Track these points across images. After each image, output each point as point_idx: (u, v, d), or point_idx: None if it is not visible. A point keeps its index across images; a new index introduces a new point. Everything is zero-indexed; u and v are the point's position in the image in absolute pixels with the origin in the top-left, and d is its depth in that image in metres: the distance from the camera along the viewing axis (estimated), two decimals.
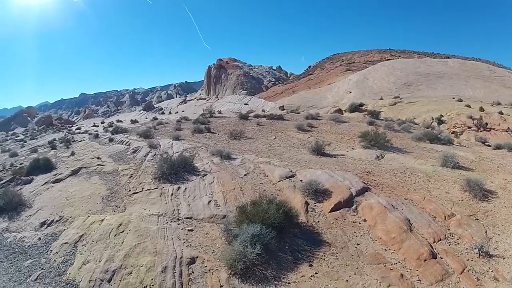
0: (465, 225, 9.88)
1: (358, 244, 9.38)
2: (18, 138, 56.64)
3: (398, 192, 12.07)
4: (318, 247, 9.32)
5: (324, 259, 8.87)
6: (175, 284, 8.20)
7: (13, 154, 30.47)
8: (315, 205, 11.37)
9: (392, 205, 10.88)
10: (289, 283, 8.14)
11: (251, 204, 10.40)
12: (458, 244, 9.23)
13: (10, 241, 11.68)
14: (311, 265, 8.68)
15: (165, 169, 15.19)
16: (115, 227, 10.82)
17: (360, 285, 7.95)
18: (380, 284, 7.94)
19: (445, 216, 10.39)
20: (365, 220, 10.44)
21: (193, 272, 8.63)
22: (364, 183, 12.56)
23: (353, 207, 11.10)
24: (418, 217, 10.36)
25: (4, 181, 19.49)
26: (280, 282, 8.15)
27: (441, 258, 8.72)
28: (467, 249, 8.97)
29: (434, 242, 9.28)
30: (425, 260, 8.57)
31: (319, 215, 10.86)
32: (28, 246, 11.13)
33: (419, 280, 8.10)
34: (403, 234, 9.45)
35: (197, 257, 9.13)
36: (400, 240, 9.30)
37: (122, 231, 10.58)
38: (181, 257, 9.08)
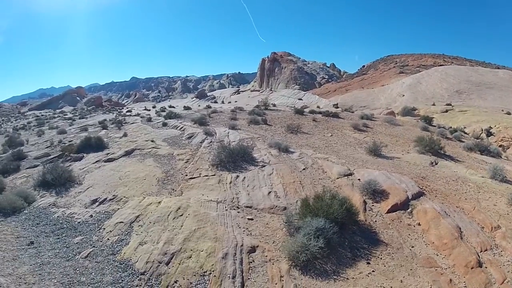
0: (509, 238, 9.96)
1: (412, 247, 9.62)
2: (66, 116, 58.50)
3: (450, 199, 12.23)
4: (375, 246, 9.60)
5: (380, 258, 9.12)
6: (236, 271, 8.39)
7: (61, 131, 31.64)
8: (373, 205, 11.67)
9: (445, 212, 11.03)
10: (347, 278, 8.36)
11: (315, 198, 10.68)
12: (501, 255, 9.29)
13: (57, 216, 11.95)
14: (368, 263, 8.93)
15: (223, 156, 15.62)
16: (174, 210, 11.05)
17: (413, 286, 8.17)
18: (431, 287, 8.16)
19: (492, 228, 10.45)
20: (419, 224, 10.66)
21: (253, 261, 8.87)
22: (419, 187, 12.73)
23: (409, 210, 11.34)
24: (468, 225, 10.48)
25: (52, 157, 20.12)
26: (339, 277, 8.37)
27: (486, 267, 8.82)
28: (508, 261, 9.07)
29: (481, 251, 9.40)
30: (472, 268, 8.75)
31: (376, 215, 11.16)
32: (78, 222, 11.34)
33: (465, 286, 8.27)
34: (454, 241, 9.64)
35: (257, 246, 9.39)
36: (451, 246, 9.50)
37: (181, 215, 10.82)
38: (242, 245, 9.30)
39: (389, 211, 11.19)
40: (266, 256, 9.02)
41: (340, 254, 9.11)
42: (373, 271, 8.58)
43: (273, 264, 8.73)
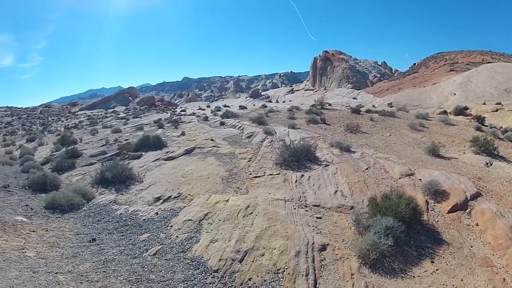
0: None
1: (471, 247, 9.81)
2: (119, 116, 59.71)
3: (505, 200, 12.34)
4: (438, 246, 9.80)
5: (443, 257, 9.32)
6: (309, 269, 8.50)
7: (116, 130, 32.36)
8: (434, 205, 11.84)
9: (501, 213, 11.07)
10: (413, 276, 8.59)
11: (382, 197, 11.00)
12: None
13: (120, 214, 12.16)
14: (432, 262, 9.14)
15: (287, 155, 15.79)
16: (243, 208, 11.14)
17: (472, 285, 8.38)
18: (487, 286, 8.36)
19: None
20: (477, 224, 10.78)
21: (325, 259, 9.02)
22: (477, 188, 12.81)
23: (467, 210, 11.46)
24: None
25: (109, 155, 20.50)
26: (405, 275, 8.60)
27: None
28: None
29: None
30: None
31: (438, 215, 11.32)
32: (143, 220, 11.48)
33: None
34: (508, 241, 9.72)
35: (327, 244, 9.57)
36: (505, 246, 9.61)
37: (251, 213, 10.92)
38: (313, 243, 9.41)
39: (449, 211, 11.41)
40: (337, 254, 9.21)
41: (407, 253, 9.36)
42: (436, 269, 8.82)
43: (343, 262, 8.93)
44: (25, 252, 9.63)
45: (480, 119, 33.26)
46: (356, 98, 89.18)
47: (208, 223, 10.51)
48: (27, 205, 13.50)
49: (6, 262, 8.89)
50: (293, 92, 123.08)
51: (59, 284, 7.91)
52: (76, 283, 8.00)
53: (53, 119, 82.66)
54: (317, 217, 11.00)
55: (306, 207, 11.75)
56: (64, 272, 8.48)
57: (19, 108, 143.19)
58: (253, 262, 8.65)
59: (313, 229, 10.26)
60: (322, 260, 8.91)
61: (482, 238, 10.11)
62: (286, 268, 8.44)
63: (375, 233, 9.21)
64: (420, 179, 13.62)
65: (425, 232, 10.28)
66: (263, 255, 8.91)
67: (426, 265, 8.92)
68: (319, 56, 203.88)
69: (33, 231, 11.14)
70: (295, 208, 11.48)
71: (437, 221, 10.90)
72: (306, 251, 9.06)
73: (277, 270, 8.44)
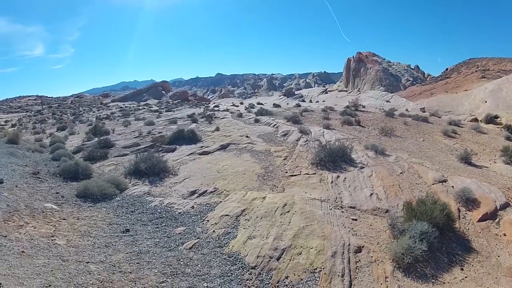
0: None
1: (498, 256, 9.92)
2: (152, 109, 60.35)
3: None
4: (468, 253, 9.91)
5: (472, 265, 9.47)
6: (344, 270, 8.55)
7: (149, 122, 32.63)
8: (466, 213, 11.97)
9: None
10: (444, 283, 8.70)
11: (418, 202, 11.12)
12: None
13: (154, 206, 12.20)
14: (462, 269, 9.28)
15: (323, 155, 15.88)
16: (280, 206, 11.13)
17: None
18: None
19: None
20: (504, 234, 10.86)
21: (360, 261, 9.09)
22: (506, 198, 12.90)
23: (496, 220, 11.56)
24: None
25: (142, 147, 20.65)
26: (436, 281, 8.70)
27: None
28: None
29: None
30: None
31: (469, 223, 11.43)
32: (179, 213, 11.49)
33: None
34: None
35: (363, 246, 9.64)
36: None
37: (288, 211, 10.91)
38: (349, 245, 9.49)
39: (479, 220, 11.48)
40: (372, 256, 9.28)
41: (438, 259, 9.47)
42: (465, 277, 8.94)
43: (378, 264, 9.00)
44: (55, 239, 9.68)
45: (511, 129, 33.13)
46: (389, 101, 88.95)
47: (245, 220, 10.52)
48: (57, 193, 13.59)
49: (34, 249, 8.94)
50: (327, 93, 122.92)
51: (90, 273, 7.89)
52: (108, 273, 7.98)
53: (84, 109, 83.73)
54: (352, 219, 11.10)
55: (342, 208, 11.87)
56: (96, 262, 8.48)
57: (49, 97, 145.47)
58: (290, 260, 8.65)
59: (349, 231, 10.34)
60: (357, 261, 8.98)
61: (508, 248, 10.22)
62: (323, 268, 8.46)
63: (410, 237, 9.36)
64: (452, 186, 13.74)
65: (456, 239, 10.43)
66: (300, 253, 8.91)
67: (456, 272, 9.06)
68: (353, 57, 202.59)
69: (64, 219, 11.21)
70: (331, 209, 11.57)
71: (468, 229, 11.01)
72: (342, 252, 9.12)
73: (314, 269, 8.44)
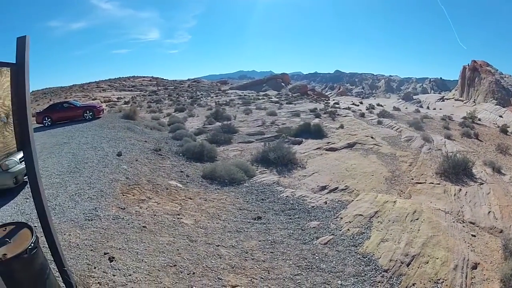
0: None
1: None
2: (272, 99, 61.19)
3: None
4: None
5: None
6: (462, 284, 8.21)
7: (271, 113, 33.18)
8: None
9: None
10: None
11: None
12: None
13: (286, 196, 12.23)
14: None
15: (446, 166, 15.74)
16: (410, 213, 10.97)
17: None
18: None
19: None
20: None
21: (474, 277, 8.67)
22: None
23: None
24: None
25: (267, 136, 20.94)
26: None
27: None
28: None
29: None
30: None
31: None
32: (312, 207, 11.43)
33: None
34: None
35: (478, 263, 9.21)
36: None
37: (417, 219, 10.74)
38: (468, 260, 9.15)
39: None
40: (484, 274, 8.82)
41: None
42: None
43: (488, 283, 8.57)
44: (181, 218, 9.97)
45: None
46: (502, 116, 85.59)
47: (378, 222, 10.41)
48: (181, 172, 14.04)
49: (158, 226, 9.28)
50: (443, 100, 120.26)
51: (220, 257, 7.96)
52: (240, 259, 8.01)
53: (202, 94, 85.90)
54: (472, 235, 10.84)
55: (463, 222, 11.63)
56: (227, 246, 8.58)
57: (165, 79, 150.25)
58: (418, 268, 8.50)
59: (468, 246, 10.02)
60: (473, 278, 8.61)
61: None
62: (445, 280, 8.24)
63: None
64: None
65: None
66: (427, 262, 8.77)
67: None
68: (468, 65, 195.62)
69: (190, 199, 11.56)
70: (453, 222, 11.35)
71: None
72: (462, 266, 8.86)
73: (437, 279, 8.25)
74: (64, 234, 8.22)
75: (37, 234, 4.67)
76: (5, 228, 4.83)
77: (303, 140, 20.01)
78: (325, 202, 11.75)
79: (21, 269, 4.35)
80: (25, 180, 11.93)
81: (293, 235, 9.48)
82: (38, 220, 5.02)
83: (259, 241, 9.03)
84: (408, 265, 8.57)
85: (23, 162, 11.54)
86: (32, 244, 4.45)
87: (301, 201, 11.83)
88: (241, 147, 18.58)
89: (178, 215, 10.18)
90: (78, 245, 7.83)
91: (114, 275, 6.69)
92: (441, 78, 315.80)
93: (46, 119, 29.91)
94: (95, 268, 6.88)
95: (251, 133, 22.23)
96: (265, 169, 14.99)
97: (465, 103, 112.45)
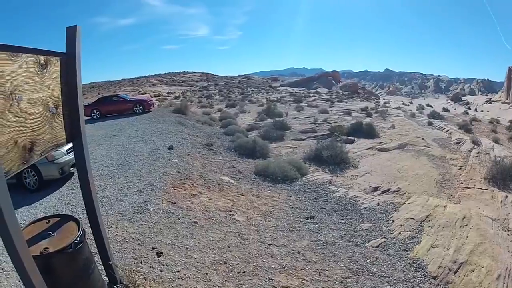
0: None
1: None
2: (323, 97, 60.89)
3: None
4: None
5: None
6: None
7: (323, 111, 33.18)
8: None
9: None
10: None
11: None
12: None
13: (339, 196, 12.13)
14: None
15: (495, 171, 15.31)
16: (460, 218, 10.73)
17: None
18: None
19: None
20: None
21: None
22: None
23: None
24: None
25: (319, 134, 21.01)
26: None
27: None
28: None
29: None
30: None
31: None
32: (364, 208, 11.32)
33: None
34: None
35: None
36: None
37: (466, 225, 10.51)
38: (510, 270, 8.82)
39: None
40: None
41: None
42: None
43: None
44: (233, 215, 9.96)
45: None
46: None
47: (429, 226, 10.23)
48: (234, 167, 14.10)
49: (209, 222, 9.27)
50: (490, 103, 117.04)
51: (272, 257, 7.88)
52: (291, 259, 7.90)
53: (252, 90, 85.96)
54: None
55: (508, 231, 11.11)
56: (279, 245, 8.49)
57: (215, 75, 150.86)
58: (464, 276, 8.28)
59: (511, 256, 9.64)
60: None
61: None
62: None
63: None
64: None
65: None
66: (473, 271, 8.53)
67: None
68: None
69: (242, 195, 11.56)
70: (499, 230, 10.96)
71: None
72: (505, 276, 8.55)
73: None
74: (111, 227, 8.36)
75: (84, 228, 4.69)
76: (49, 221, 4.81)
77: (355, 139, 19.96)
78: (378, 204, 11.66)
79: (64, 265, 4.32)
80: (72, 171, 12.32)
81: (345, 237, 9.39)
82: (83, 212, 5.07)
83: (311, 241, 8.94)
84: (455, 272, 8.40)
85: (70, 153, 11.81)
86: (78, 239, 4.43)
87: (354, 201, 11.73)
88: (293, 145, 18.60)
89: (230, 211, 10.20)
90: (125, 238, 7.96)
91: (161, 271, 6.75)
92: (488, 79, 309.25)
93: (95, 112, 30.58)
94: (141, 262, 6.97)
95: (303, 131, 22.24)
96: (317, 168, 14.94)
97: (510, 105, 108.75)
